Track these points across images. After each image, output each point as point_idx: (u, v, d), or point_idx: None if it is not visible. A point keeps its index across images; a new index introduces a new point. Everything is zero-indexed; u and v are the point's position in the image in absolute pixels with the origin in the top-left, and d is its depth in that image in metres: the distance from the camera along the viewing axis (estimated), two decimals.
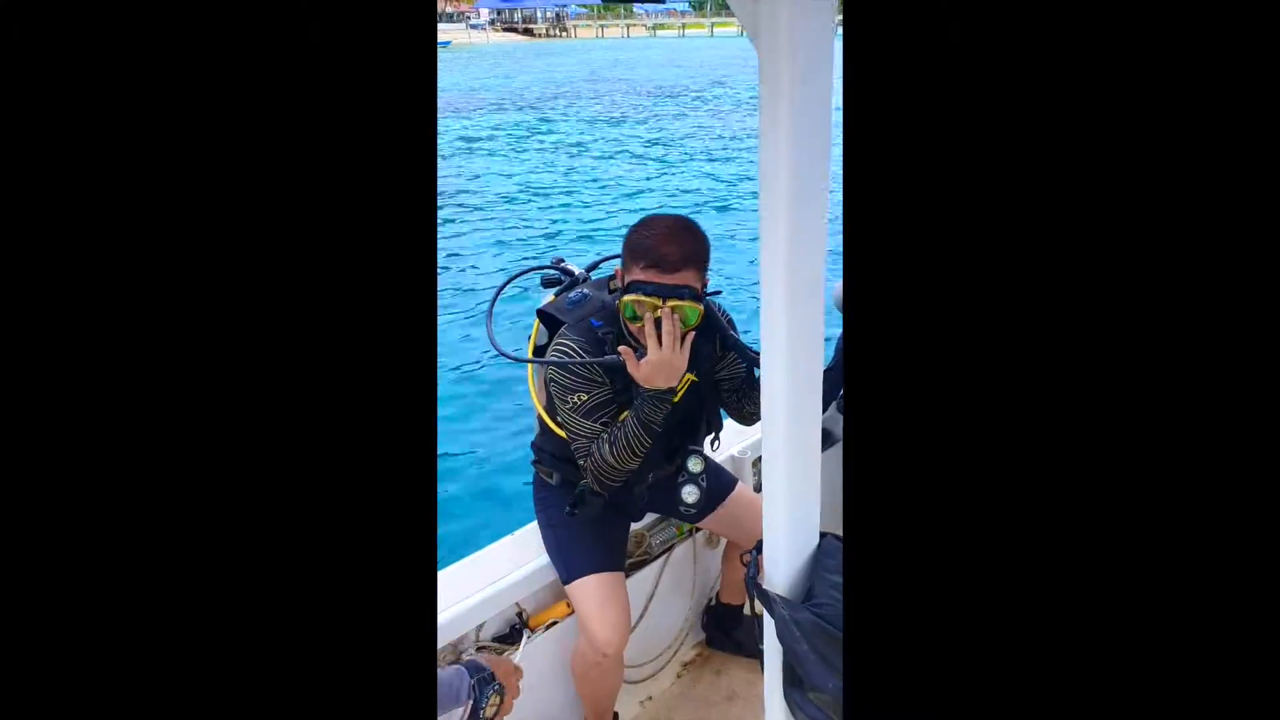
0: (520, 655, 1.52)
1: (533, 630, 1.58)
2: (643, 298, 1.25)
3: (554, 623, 1.61)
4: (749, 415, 1.55)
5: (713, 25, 76.97)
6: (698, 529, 1.86)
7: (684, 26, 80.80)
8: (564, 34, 75.82)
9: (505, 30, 74.22)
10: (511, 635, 1.58)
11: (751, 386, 1.51)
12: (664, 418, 1.34)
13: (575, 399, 1.36)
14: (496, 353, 1.43)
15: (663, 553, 1.80)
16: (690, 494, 1.46)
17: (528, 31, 75.30)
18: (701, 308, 1.29)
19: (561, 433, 1.43)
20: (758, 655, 1.83)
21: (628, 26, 79.54)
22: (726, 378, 1.53)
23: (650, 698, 1.79)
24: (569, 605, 1.58)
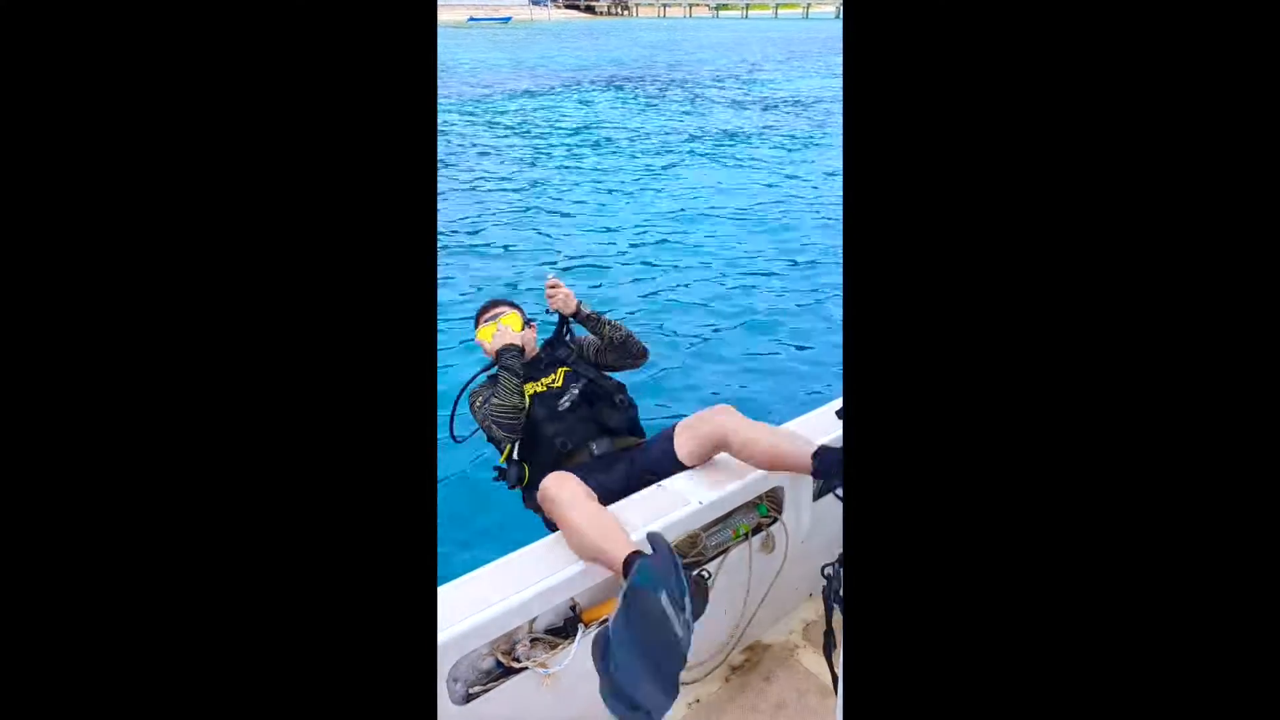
0: (574, 651, 1.52)
1: (586, 625, 1.58)
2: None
3: (607, 619, 1.60)
4: (624, 354, 2.08)
5: (777, 7, 75.83)
6: (756, 530, 1.84)
7: (748, 7, 79.78)
8: (626, 12, 75.50)
9: (567, 7, 74.20)
10: (565, 629, 1.58)
11: (598, 337, 2.09)
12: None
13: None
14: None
15: (716, 555, 1.78)
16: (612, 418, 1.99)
17: (590, 9, 75.19)
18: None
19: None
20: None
21: (690, 7, 78.82)
22: (590, 344, 2.11)
23: (698, 700, 1.78)
24: None
